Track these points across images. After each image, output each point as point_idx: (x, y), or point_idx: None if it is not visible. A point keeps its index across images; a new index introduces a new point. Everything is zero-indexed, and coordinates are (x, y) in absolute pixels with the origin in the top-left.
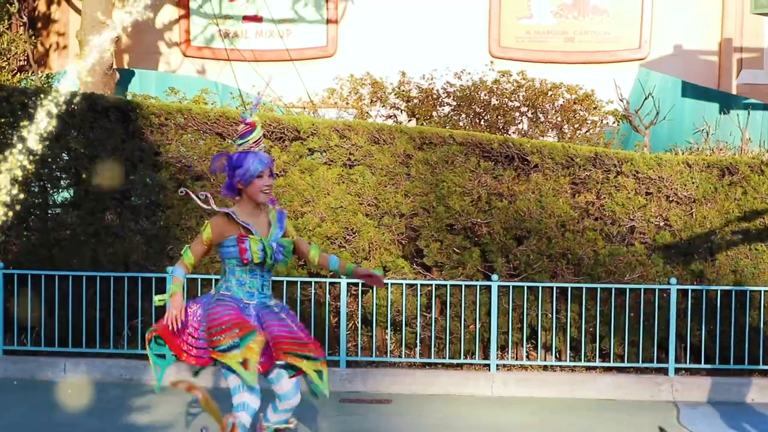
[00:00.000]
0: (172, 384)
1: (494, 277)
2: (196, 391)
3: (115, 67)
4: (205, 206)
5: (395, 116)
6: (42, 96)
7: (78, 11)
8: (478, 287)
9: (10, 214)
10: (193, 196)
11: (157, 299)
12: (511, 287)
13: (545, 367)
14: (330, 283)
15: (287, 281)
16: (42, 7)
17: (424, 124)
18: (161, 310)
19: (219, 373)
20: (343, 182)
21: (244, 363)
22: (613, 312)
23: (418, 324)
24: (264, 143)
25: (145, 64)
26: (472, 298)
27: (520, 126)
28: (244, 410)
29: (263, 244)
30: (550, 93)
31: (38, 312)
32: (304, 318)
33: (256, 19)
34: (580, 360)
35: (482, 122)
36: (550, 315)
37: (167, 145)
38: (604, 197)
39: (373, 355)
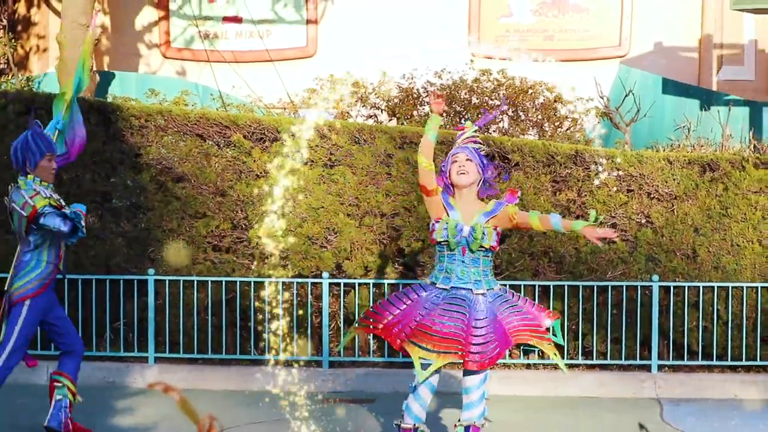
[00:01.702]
0: (149, 386)
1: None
2: (172, 392)
3: (95, 69)
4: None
5: (376, 116)
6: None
7: (58, 14)
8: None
9: None
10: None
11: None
12: None
13: (528, 366)
14: (312, 284)
15: (269, 281)
16: (22, 10)
17: (405, 123)
18: (143, 312)
19: (197, 373)
20: (324, 182)
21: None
22: (596, 309)
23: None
24: (476, 142)
25: (125, 66)
26: None
27: (500, 124)
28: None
29: (448, 225)
30: (530, 91)
31: None
32: (286, 318)
33: (236, 20)
34: (563, 358)
35: (463, 121)
36: None
37: (148, 147)
38: (585, 195)
39: (356, 355)
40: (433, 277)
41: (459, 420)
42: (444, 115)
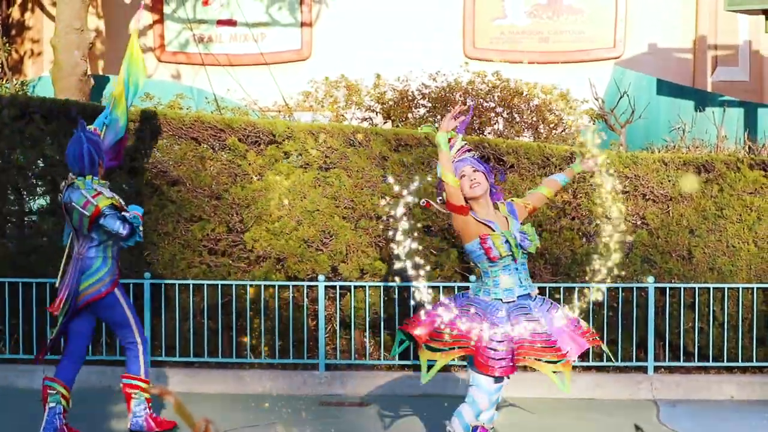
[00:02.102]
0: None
1: (472, 278)
2: (168, 396)
3: (89, 73)
4: (444, 211)
5: (370, 119)
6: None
7: (52, 18)
8: (456, 288)
9: None
10: (434, 204)
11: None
12: None
13: (524, 368)
14: (308, 287)
15: (264, 285)
16: (16, 14)
17: (400, 126)
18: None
19: (193, 377)
20: (319, 185)
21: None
22: (592, 311)
23: (397, 326)
24: (467, 153)
25: (120, 69)
26: None
27: (495, 126)
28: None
29: (505, 237)
30: (525, 93)
31: (16, 319)
32: (282, 322)
33: (231, 23)
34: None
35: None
36: None
37: (143, 151)
38: (581, 196)
39: (352, 357)
40: (493, 293)
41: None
42: (440, 117)
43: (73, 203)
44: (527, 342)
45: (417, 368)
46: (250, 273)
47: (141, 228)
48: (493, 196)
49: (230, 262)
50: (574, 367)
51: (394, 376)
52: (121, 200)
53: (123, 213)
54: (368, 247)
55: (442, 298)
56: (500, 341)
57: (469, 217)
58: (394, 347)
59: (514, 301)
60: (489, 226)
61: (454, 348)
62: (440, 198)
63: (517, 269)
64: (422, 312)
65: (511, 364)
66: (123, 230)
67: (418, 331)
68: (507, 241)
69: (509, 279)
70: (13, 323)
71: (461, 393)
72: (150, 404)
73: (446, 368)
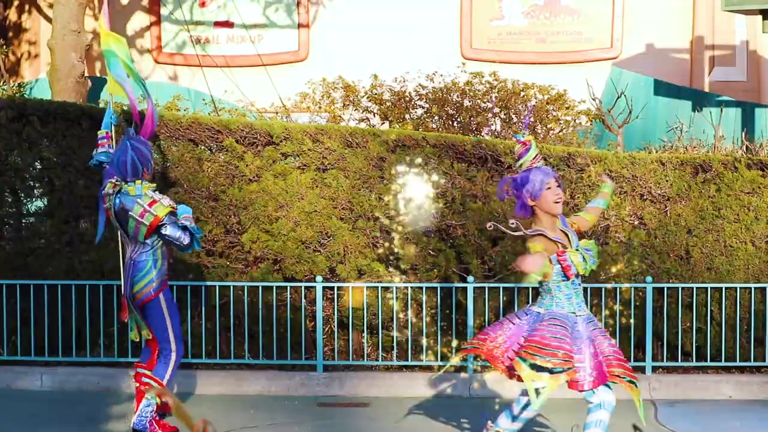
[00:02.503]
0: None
1: (470, 278)
2: (167, 397)
3: (86, 75)
4: (515, 234)
5: (368, 119)
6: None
7: (49, 20)
8: (453, 289)
9: None
10: (502, 227)
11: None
12: (486, 288)
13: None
14: (306, 288)
15: (263, 286)
16: (13, 16)
17: (397, 126)
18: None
19: (191, 378)
20: (317, 186)
21: (540, 388)
22: (589, 311)
23: (395, 327)
24: (542, 161)
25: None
26: (448, 300)
27: (492, 127)
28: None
29: (581, 254)
30: (522, 93)
31: (14, 321)
32: (280, 323)
33: (228, 24)
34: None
35: (455, 124)
36: None
37: None
38: (578, 197)
39: (350, 358)
40: (567, 308)
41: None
42: (437, 117)
43: (128, 211)
44: (612, 357)
45: (415, 369)
46: (248, 274)
47: (199, 236)
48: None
49: (228, 263)
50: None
51: (392, 376)
52: (173, 203)
53: (181, 221)
54: (366, 248)
55: (509, 317)
56: (585, 357)
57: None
58: (532, 399)
59: (585, 315)
60: (561, 243)
61: (563, 370)
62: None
63: (579, 284)
64: (499, 328)
65: (594, 378)
66: (185, 239)
67: (490, 350)
68: (583, 258)
69: (577, 293)
70: (11, 325)
71: (459, 394)
72: (158, 411)
73: (434, 369)
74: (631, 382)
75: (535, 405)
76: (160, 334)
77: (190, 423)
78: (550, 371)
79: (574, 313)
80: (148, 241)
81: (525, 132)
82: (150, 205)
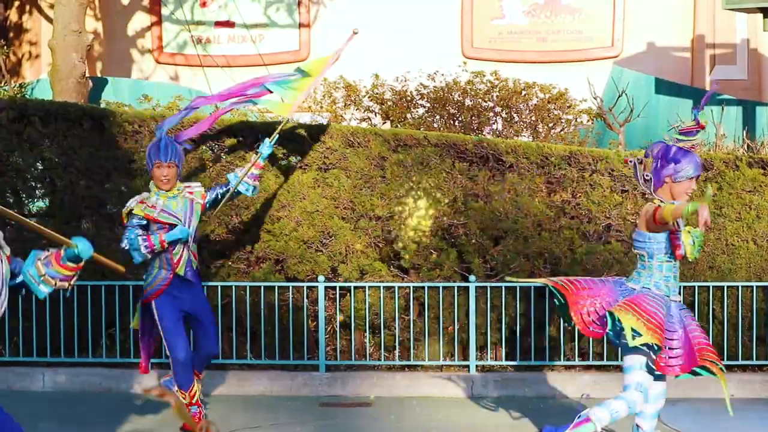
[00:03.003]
0: (145, 391)
1: (471, 278)
2: (169, 398)
3: (87, 75)
4: (647, 188)
5: (369, 119)
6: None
7: (50, 20)
8: (455, 288)
9: None
10: (642, 175)
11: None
12: (488, 288)
13: (525, 367)
14: (308, 287)
15: (265, 286)
16: (14, 17)
17: (399, 126)
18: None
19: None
20: (319, 186)
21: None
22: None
23: (397, 326)
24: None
25: (118, 71)
26: (450, 299)
27: (494, 126)
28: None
29: (693, 238)
30: (523, 93)
31: (16, 322)
32: (282, 323)
33: (229, 24)
34: (560, 359)
35: (456, 123)
36: (528, 315)
37: (141, 153)
38: (580, 196)
39: (353, 358)
40: (664, 289)
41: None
42: (439, 117)
43: None
44: (705, 344)
45: (417, 368)
46: (250, 274)
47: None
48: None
49: (230, 263)
50: (573, 366)
51: (394, 376)
52: (132, 205)
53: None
54: (368, 248)
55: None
56: (677, 340)
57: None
58: (627, 337)
59: (678, 301)
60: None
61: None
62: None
63: (678, 269)
64: (592, 283)
65: (684, 363)
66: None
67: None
68: (693, 242)
69: (676, 277)
70: (13, 326)
71: (461, 394)
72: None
73: (436, 369)
74: (721, 369)
75: (631, 342)
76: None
77: (192, 422)
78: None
79: (668, 296)
80: None
81: (703, 113)
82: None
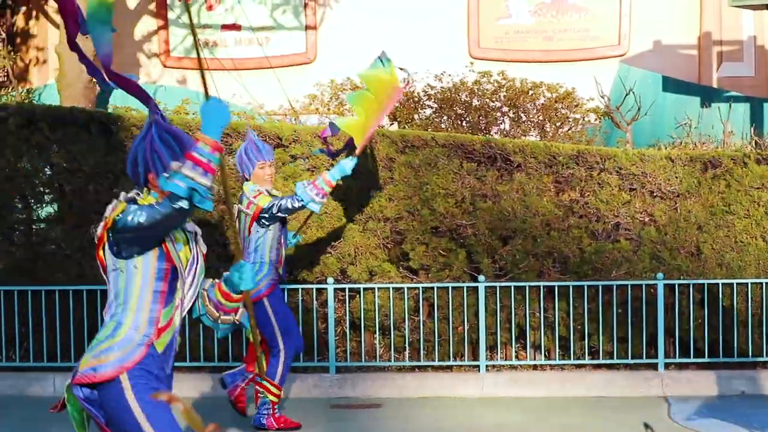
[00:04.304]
0: (152, 396)
1: (481, 278)
2: (177, 402)
3: (95, 80)
4: None
5: None
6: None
7: (57, 25)
8: (465, 289)
9: None
10: None
11: None
12: (498, 288)
13: (535, 367)
14: (317, 290)
15: None
16: (21, 23)
17: (406, 127)
18: None
19: (202, 381)
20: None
21: None
22: (601, 309)
23: (407, 327)
24: None
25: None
26: (459, 299)
27: (501, 126)
28: None
29: None
30: (530, 92)
31: (26, 328)
32: None
33: (235, 27)
34: (570, 358)
35: (464, 123)
36: (537, 314)
37: None
38: (588, 195)
39: (363, 359)
40: None
41: None
42: (446, 118)
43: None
44: None
45: (427, 369)
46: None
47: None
48: None
49: None
50: (583, 365)
51: (405, 377)
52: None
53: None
54: (376, 249)
55: None
56: None
57: None
58: None
59: None
60: None
61: None
62: None
63: None
64: None
65: None
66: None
67: None
68: None
69: None
70: (23, 331)
71: (471, 394)
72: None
73: (446, 369)
74: None
75: None
76: (270, 337)
77: (200, 427)
78: None
79: None
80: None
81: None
82: (255, 196)
